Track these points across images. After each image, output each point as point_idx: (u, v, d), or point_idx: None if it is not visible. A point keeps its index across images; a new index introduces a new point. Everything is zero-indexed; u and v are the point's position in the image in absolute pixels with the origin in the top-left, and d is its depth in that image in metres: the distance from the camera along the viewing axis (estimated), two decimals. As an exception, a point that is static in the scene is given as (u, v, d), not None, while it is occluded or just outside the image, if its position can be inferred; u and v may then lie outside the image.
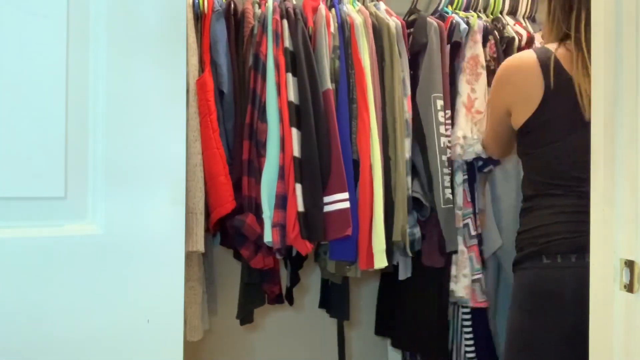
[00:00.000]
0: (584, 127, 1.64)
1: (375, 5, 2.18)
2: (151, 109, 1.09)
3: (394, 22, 2.12)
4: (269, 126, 1.90)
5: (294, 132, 1.88)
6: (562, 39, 1.79)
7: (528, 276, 1.71)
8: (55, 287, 1.02)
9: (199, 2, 1.94)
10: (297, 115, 1.90)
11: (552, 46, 1.80)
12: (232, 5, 1.99)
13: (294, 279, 2.17)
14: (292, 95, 1.90)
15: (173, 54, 1.11)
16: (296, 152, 1.88)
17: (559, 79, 1.72)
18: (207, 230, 1.94)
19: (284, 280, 2.15)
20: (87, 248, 1.04)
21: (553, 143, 1.73)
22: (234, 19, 1.99)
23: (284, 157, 1.89)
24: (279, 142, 1.90)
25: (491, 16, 2.38)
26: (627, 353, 1.31)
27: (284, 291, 2.12)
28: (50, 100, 1.02)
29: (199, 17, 1.96)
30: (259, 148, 1.92)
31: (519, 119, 1.78)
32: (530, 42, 2.39)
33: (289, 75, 1.91)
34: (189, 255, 1.94)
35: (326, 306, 2.25)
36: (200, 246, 1.87)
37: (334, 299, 2.19)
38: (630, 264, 1.28)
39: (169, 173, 1.10)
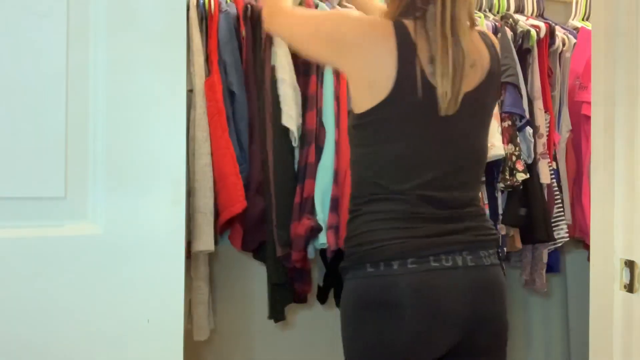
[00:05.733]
0: (441, 136, 1.44)
1: None
2: (151, 109, 1.09)
3: None
4: (326, 131, 1.96)
5: None
6: (404, 13, 1.43)
7: (356, 286, 1.45)
8: (55, 287, 1.02)
9: (204, 2, 1.94)
10: None
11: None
12: (249, 9, 1.99)
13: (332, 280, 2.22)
14: None
15: (173, 54, 1.11)
16: None
17: (412, 63, 1.40)
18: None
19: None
20: (87, 248, 1.04)
21: (398, 140, 1.43)
22: (252, 22, 1.99)
23: (339, 161, 1.93)
24: (334, 147, 1.94)
25: (498, 15, 2.38)
26: (627, 353, 1.31)
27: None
28: (50, 100, 1.02)
29: (204, 18, 1.96)
30: (319, 152, 1.98)
31: (358, 103, 1.45)
32: (552, 34, 2.38)
33: None
34: (196, 255, 1.95)
35: None
36: (210, 245, 1.89)
37: None
38: (630, 264, 1.28)
39: (169, 173, 1.10)
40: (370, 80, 1.41)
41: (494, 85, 1.53)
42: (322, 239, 1.92)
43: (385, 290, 1.39)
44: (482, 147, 1.55)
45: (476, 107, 1.47)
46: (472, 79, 1.44)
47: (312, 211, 1.95)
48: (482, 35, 1.53)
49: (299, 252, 1.95)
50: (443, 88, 1.38)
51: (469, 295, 1.42)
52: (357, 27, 1.44)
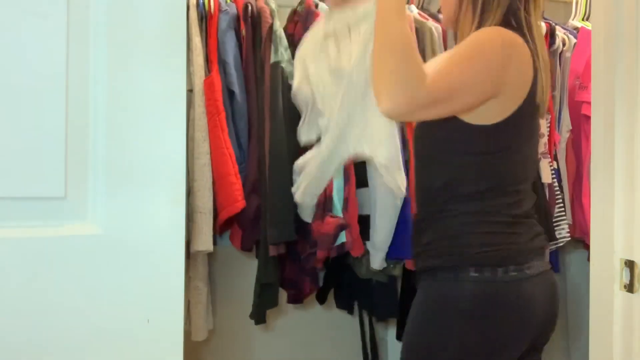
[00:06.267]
0: (536, 130, 1.51)
1: (408, 8, 2.20)
2: (151, 109, 1.09)
3: (434, 26, 2.13)
4: None
5: None
6: (505, 23, 1.44)
7: (454, 290, 1.43)
8: (55, 286, 1.02)
9: (203, 2, 1.94)
10: None
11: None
12: (250, 7, 1.99)
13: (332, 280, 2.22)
14: None
15: (173, 54, 1.11)
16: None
17: (537, 72, 1.42)
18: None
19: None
20: (87, 248, 1.04)
21: (516, 146, 1.45)
22: (252, 21, 2.00)
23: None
24: None
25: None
26: (627, 353, 1.31)
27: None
28: (50, 100, 1.02)
29: (204, 17, 1.97)
30: None
31: (488, 116, 1.40)
32: (552, 34, 2.38)
33: None
34: (194, 255, 1.95)
35: (367, 307, 2.28)
36: (209, 245, 1.89)
37: (379, 299, 2.21)
38: (630, 264, 1.28)
39: (169, 173, 1.10)
40: (515, 94, 1.40)
41: None
42: (342, 238, 1.93)
43: (490, 298, 1.41)
44: None
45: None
46: None
47: (332, 209, 1.95)
48: None
49: (326, 252, 1.94)
50: (544, 92, 1.43)
51: (546, 300, 1.47)
52: (502, 52, 1.38)
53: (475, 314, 1.41)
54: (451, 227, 1.45)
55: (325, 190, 1.96)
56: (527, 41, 1.42)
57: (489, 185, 1.43)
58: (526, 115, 1.43)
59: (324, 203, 1.95)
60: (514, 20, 1.45)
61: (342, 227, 1.92)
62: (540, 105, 1.44)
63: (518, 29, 1.43)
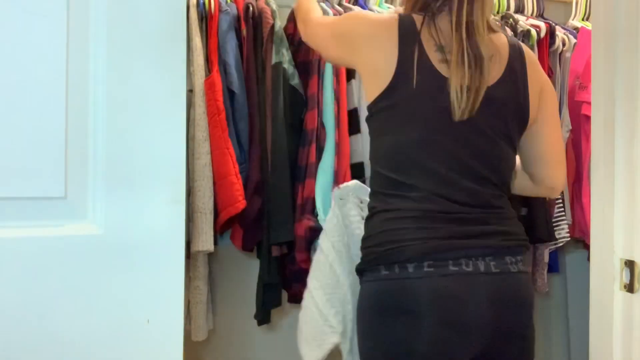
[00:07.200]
0: (452, 127, 1.37)
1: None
2: (151, 109, 1.09)
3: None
4: (327, 131, 1.98)
5: (352, 139, 2.01)
6: (424, 8, 1.45)
7: (370, 290, 1.40)
8: (55, 287, 1.02)
9: (204, 2, 1.94)
10: (358, 121, 2.01)
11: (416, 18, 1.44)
12: (251, 8, 2.00)
13: None
14: (354, 101, 2.03)
15: (173, 54, 1.11)
16: (355, 158, 2.00)
17: (421, 61, 1.38)
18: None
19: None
20: (87, 248, 1.04)
21: (408, 130, 1.38)
22: (253, 21, 2.01)
23: (339, 162, 1.96)
24: (335, 147, 1.96)
25: (498, 15, 2.39)
26: (627, 353, 1.31)
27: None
28: (50, 100, 1.02)
29: (204, 17, 1.97)
30: (320, 152, 2.00)
31: (368, 94, 1.45)
32: (552, 34, 2.38)
33: (353, 81, 2.04)
34: (194, 255, 1.95)
35: None
36: (209, 245, 1.89)
37: None
38: (630, 264, 1.28)
39: (169, 173, 1.10)
40: (377, 70, 1.41)
41: (517, 83, 1.45)
42: None
43: (399, 295, 1.33)
44: (504, 146, 1.44)
45: (497, 103, 1.41)
46: (491, 75, 1.41)
47: (313, 211, 1.95)
48: (508, 38, 1.50)
49: (302, 253, 1.94)
50: (458, 82, 1.35)
51: (493, 305, 1.34)
52: (365, 23, 1.50)
53: (389, 314, 1.34)
54: (372, 227, 1.42)
55: (302, 192, 1.96)
56: (428, 24, 1.41)
57: (395, 176, 1.38)
58: (402, 99, 1.37)
59: (302, 205, 1.95)
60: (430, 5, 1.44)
61: (312, 230, 1.91)
62: (457, 97, 1.34)
63: (427, 12, 1.43)
